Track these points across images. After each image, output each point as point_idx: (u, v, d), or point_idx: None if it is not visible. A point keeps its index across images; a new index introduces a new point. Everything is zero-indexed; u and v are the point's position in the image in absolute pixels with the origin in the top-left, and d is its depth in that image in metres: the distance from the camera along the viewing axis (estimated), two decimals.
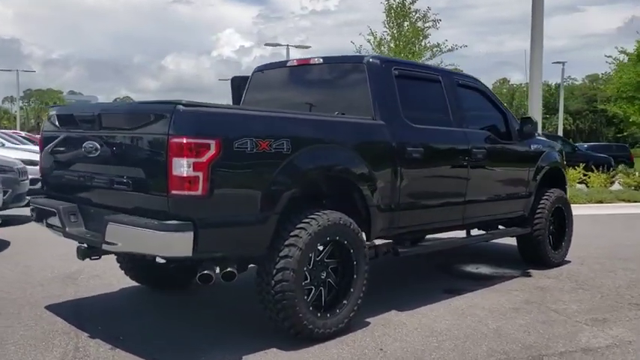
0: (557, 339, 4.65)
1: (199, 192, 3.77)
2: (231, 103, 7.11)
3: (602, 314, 5.35)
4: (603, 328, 4.94)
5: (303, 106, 5.58)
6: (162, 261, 4.80)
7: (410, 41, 14.89)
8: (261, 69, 6.21)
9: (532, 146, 6.96)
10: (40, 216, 4.81)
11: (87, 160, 4.39)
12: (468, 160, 5.86)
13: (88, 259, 4.69)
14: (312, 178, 4.39)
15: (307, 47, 38.99)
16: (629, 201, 14.02)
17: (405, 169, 5.12)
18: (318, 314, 4.39)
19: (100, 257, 4.61)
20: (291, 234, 4.23)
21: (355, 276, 4.64)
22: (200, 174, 3.76)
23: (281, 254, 4.18)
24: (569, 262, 7.52)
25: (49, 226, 4.68)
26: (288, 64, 5.91)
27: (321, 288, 4.50)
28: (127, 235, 3.95)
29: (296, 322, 4.26)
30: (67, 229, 4.50)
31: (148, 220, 3.86)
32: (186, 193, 3.76)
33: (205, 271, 4.01)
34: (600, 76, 70.43)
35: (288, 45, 37.00)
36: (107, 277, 6.26)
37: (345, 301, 4.58)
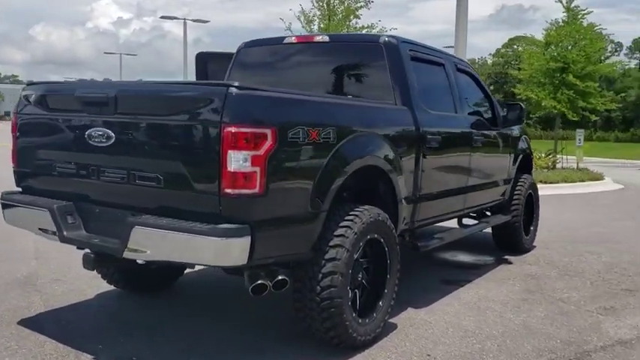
0: (586, 332, 4.56)
1: (256, 190, 3.23)
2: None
3: (606, 302, 5.35)
4: (619, 318, 4.93)
5: (304, 89, 5.08)
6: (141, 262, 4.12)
7: (341, 22, 14.50)
8: (249, 45, 5.60)
9: (512, 132, 6.90)
10: (23, 217, 4.01)
11: (91, 150, 3.68)
12: (470, 147, 5.67)
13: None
14: (354, 170, 3.94)
15: (206, 22, 37.49)
16: (544, 182, 14.57)
17: (425, 157, 4.81)
18: (360, 320, 3.99)
19: (109, 268, 3.87)
20: (336, 233, 3.78)
21: (388, 276, 4.28)
22: (257, 169, 3.22)
23: (327, 256, 3.73)
24: (535, 246, 7.60)
25: (42, 230, 3.90)
26: (286, 40, 5.35)
27: (356, 291, 4.09)
28: (163, 242, 3.33)
29: (342, 332, 3.83)
30: (64, 233, 3.77)
31: (193, 223, 3.27)
32: (242, 191, 3.20)
33: (260, 281, 3.48)
34: (477, 60, 73.95)
35: (185, 19, 35.41)
36: (70, 280, 5.48)
37: (380, 304, 4.21)
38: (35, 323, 4.37)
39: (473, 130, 5.73)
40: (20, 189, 4.22)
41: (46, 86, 4.13)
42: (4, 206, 4.15)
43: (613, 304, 5.33)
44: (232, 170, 3.17)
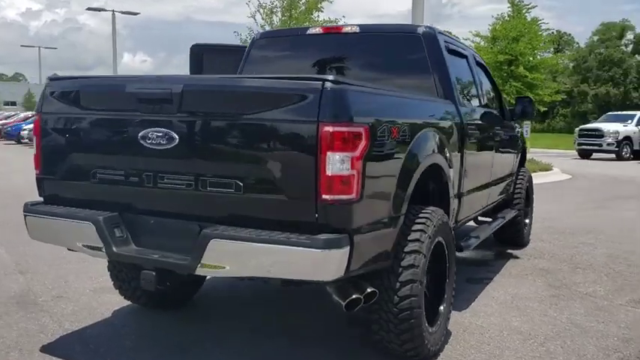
0: (635, 327, 4.50)
1: (353, 195, 2.92)
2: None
3: (632, 295, 5.35)
4: None
5: None
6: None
7: (303, 14, 14.07)
8: (266, 36, 5.22)
9: (515, 125, 6.84)
10: (57, 231, 3.51)
11: (147, 153, 3.24)
12: (494, 140, 5.55)
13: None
14: (425, 168, 3.68)
15: (136, 14, 35.95)
16: None
17: (466, 152, 4.62)
18: (430, 329, 3.75)
19: (167, 286, 3.42)
20: (411, 238, 3.51)
21: (447, 280, 4.06)
22: (355, 172, 2.91)
23: (404, 263, 3.45)
24: (530, 239, 7.61)
25: (85, 247, 3.42)
26: (310, 31, 5.00)
27: None
28: (248, 256, 2.96)
29: (419, 343, 3.58)
30: (114, 248, 3.31)
31: (283, 234, 2.92)
32: (340, 197, 2.88)
33: (355, 295, 3.15)
34: None
35: (114, 11, 33.83)
36: (74, 296, 4.96)
37: (441, 309, 3.98)
38: (61, 349, 3.87)
39: (495, 123, 5.62)
40: (43, 199, 3.69)
41: (81, 82, 3.62)
42: (30, 219, 3.62)
43: (637, 297, 5.33)
44: (331, 174, 2.84)
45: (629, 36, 75.16)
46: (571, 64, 67.51)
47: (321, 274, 2.92)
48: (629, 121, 25.23)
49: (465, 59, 5.38)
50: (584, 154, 25.18)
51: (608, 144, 24.43)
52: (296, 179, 2.93)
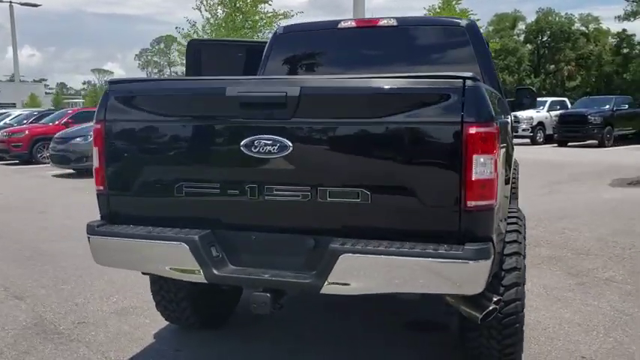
0: None
1: (494, 200, 2.75)
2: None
3: None
4: None
5: None
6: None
7: (249, 6, 13.53)
8: (290, 30, 4.91)
9: None
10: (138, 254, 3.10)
11: (251, 163, 2.90)
12: (511, 132, 5.54)
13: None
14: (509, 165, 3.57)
15: (37, 5, 33.51)
16: None
17: (509, 144, 4.57)
18: None
19: (281, 307, 3.09)
20: (508, 239, 3.38)
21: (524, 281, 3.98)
22: (495, 175, 2.74)
23: (506, 266, 3.31)
24: None
25: (173, 270, 3.03)
26: (341, 25, 4.74)
27: None
28: (384, 271, 2.73)
29: (519, 348, 3.46)
30: (214, 270, 2.96)
31: (423, 246, 2.70)
32: (484, 203, 2.71)
33: (492, 306, 2.98)
34: None
35: (11, 2, 31.48)
36: (97, 320, 4.50)
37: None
38: None
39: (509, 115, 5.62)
40: (107, 218, 3.25)
41: (160, 85, 3.22)
42: (99, 242, 3.17)
43: None
44: (476, 178, 2.66)
45: (521, 26, 79.34)
46: None
47: (470, 286, 2.73)
48: (542, 108, 26.51)
49: (487, 47, 5.33)
50: None
51: (523, 129, 25.57)
52: (436, 185, 2.73)
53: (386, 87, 2.82)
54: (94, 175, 3.26)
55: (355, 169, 2.83)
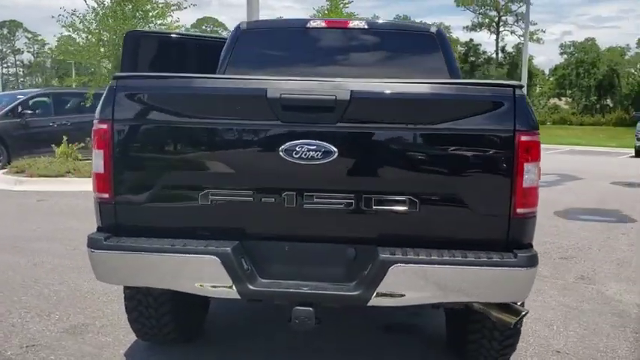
0: None
1: (535, 208, 2.82)
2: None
3: None
4: None
5: None
6: None
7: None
8: (254, 27, 4.70)
9: None
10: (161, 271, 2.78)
11: (291, 169, 2.74)
12: None
13: None
14: None
15: None
16: None
17: None
18: None
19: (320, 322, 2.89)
20: None
21: None
22: (537, 182, 2.81)
23: None
24: None
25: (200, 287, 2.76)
26: (311, 24, 4.61)
27: None
28: (437, 280, 2.69)
29: (514, 349, 3.60)
30: (249, 285, 2.75)
31: (476, 254, 2.71)
32: (530, 210, 2.78)
33: (524, 311, 3.01)
34: None
35: None
36: (48, 341, 4.03)
37: None
38: None
39: None
40: (112, 230, 2.89)
41: (181, 82, 2.88)
42: (106, 257, 2.81)
43: None
44: (526, 186, 2.72)
45: None
46: None
47: (519, 293, 2.79)
48: None
49: None
50: None
51: None
52: (487, 193, 2.74)
53: (438, 92, 2.79)
54: (94, 180, 2.90)
55: (404, 177, 2.77)
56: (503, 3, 59.43)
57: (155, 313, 3.63)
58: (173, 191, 2.88)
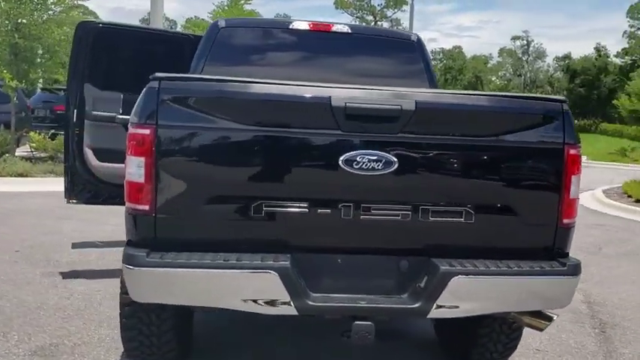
0: None
1: (575, 219, 2.95)
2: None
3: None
4: None
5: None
6: None
7: None
8: (234, 25, 4.48)
9: None
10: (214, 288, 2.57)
11: (350, 180, 2.64)
12: None
13: None
14: None
15: None
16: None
17: None
18: None
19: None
20: None
21: None
22: (578, 194, 2.94)
23: None
24: None
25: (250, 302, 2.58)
26: (294, 26, 4.47)
27: None
28: (493, 291, 2.74)
29: (514, 351, 3.76)
30: (307, 301, 2.62)
31: (526, 264, 2.79)
32: (572, 220, 2.91)
33: (555, 315, 3.11)
34: None
35: None
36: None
37: None
38: None
39: None
40: (145, 246, 2.62)
41: (238, 87, 2.64)
42: (148, 274, 2.55)
43: None
44: (572, 197, 2.84)
45: None
46: None
47: (565, 300, 2.89)
48: None
49: None
50: None
51: None
52: (537, 204, 2.84)
53: (497, 105, 2.84)
54: (128, 191, 2.63)
55: (462, 188, 2.79)
56: (379, 8, 61.50)
57: (157, 330, 3.36)
58: (223, 203, 2.68)
